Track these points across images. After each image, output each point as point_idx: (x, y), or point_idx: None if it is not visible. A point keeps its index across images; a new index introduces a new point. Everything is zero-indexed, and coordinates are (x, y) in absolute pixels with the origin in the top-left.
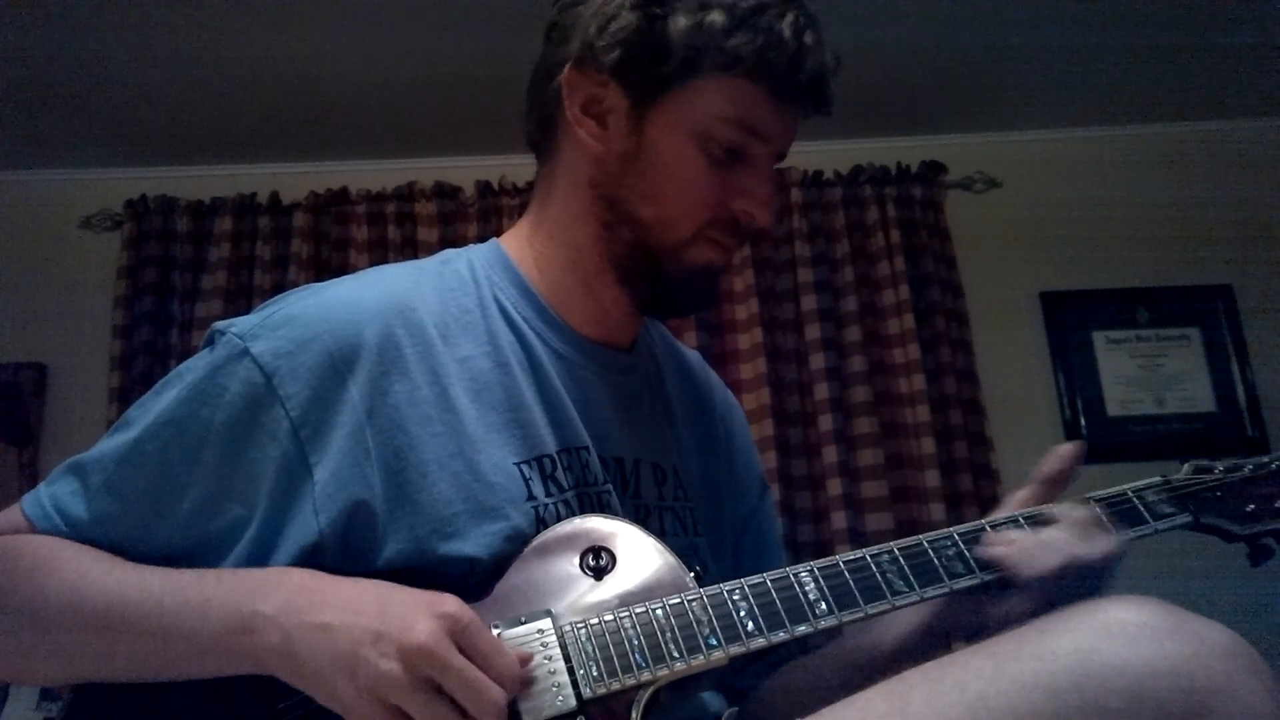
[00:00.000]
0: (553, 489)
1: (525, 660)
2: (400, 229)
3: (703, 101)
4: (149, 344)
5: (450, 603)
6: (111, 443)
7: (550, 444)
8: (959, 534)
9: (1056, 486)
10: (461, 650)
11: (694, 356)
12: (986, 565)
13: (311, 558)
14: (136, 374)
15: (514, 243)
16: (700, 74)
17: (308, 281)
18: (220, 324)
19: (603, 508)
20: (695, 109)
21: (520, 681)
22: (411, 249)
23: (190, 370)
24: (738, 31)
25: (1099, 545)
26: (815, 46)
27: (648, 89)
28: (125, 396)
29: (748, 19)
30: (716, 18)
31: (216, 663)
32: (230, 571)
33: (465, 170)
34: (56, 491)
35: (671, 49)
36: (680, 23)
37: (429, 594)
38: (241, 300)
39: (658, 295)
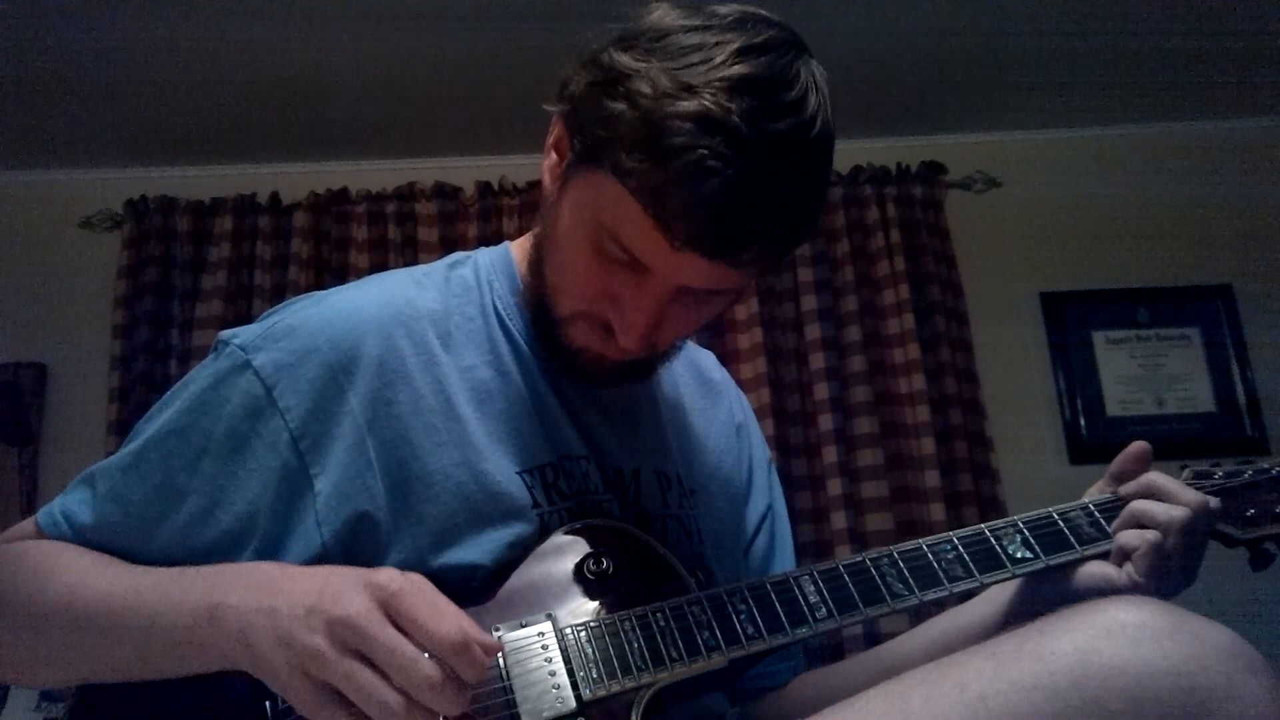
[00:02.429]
0: (555, 497)
1: (492, 649)
2: (400, 229)
3: (595, 196)
4: (149, 344)
5: (385, 574)
6: (120, 452)
7: (550, 453)
8: (958, 538)
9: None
10: (396, 619)
11: (707, 356)
12: (988, 569)
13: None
14: (136, 374)
15: (520, 249)
16: (603, 168)
17: (308, 281)
18: (224, 334)
19: (603, 516)
20: (590, 199)
21: (462, 648)
22: (412, 249)
23: (194, 380)
24: (636, 143)
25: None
26: (730, 194)
27: (574, 155)
28: (125, 396)
29: (654, 134)
30: (628, 117)
31: (192, 656)
32: (211, 567)
33: (465, 170)
34: (68, 500)
35: (592, 131)
36: (606, 109)
37: (371, 569)
38: (242, 300)
39: (552, 355)
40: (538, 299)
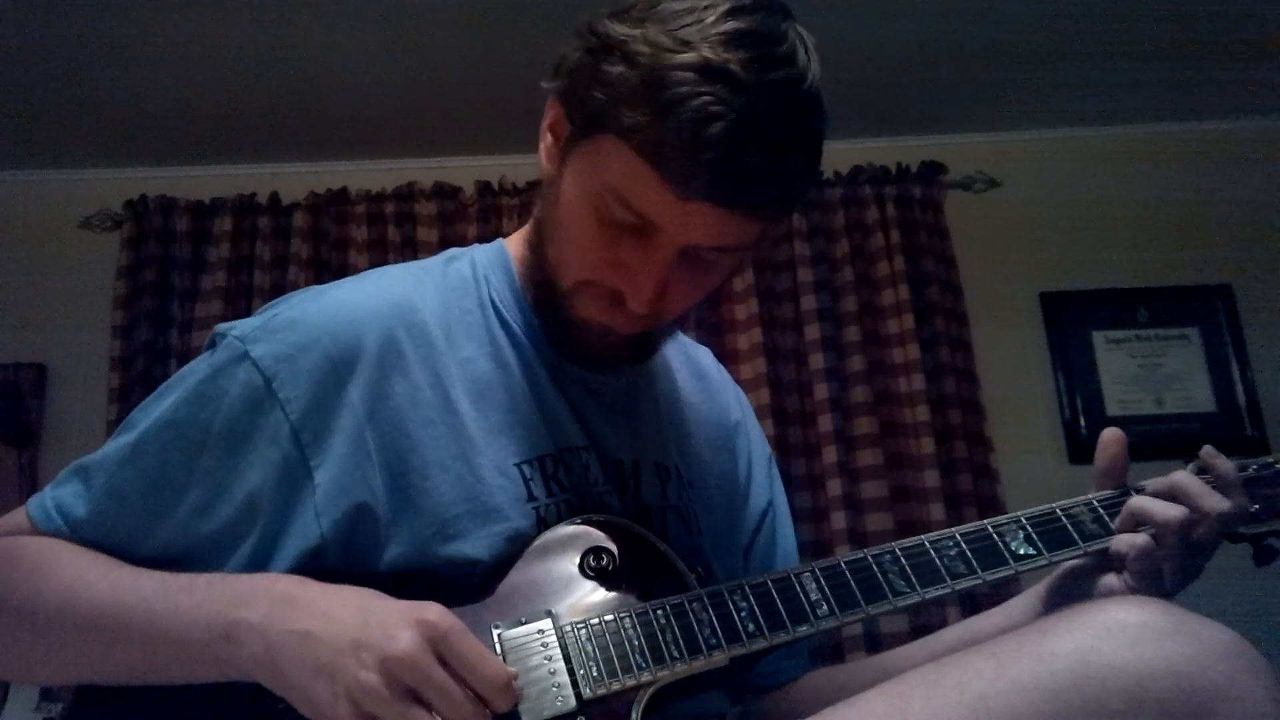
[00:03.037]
0: (554, 489)
1: (513, 676)
2: (400, 229)
3: (598, 162)
4: (149, 344)
5: (432, 611)
6: (114, 445)
7: (550, 445)
8: (961, 534)
9: (1118, 477)
10: (443, 659)
11: (704, 353)
12: (990, 566)
13: (313, 561)
14: (136, 374)
15: (515, 244)
16: (603, 131)
17: (307, 281)
18: (222, 326)
19: (603, 509)
20: (593, 166)
21: (506, 689)
22: (411, 249)
23: (192, 373)
24: (638, 99)
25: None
26: (735, 139)
27: (574, 128)
28: (125, 396)
29: (655, 88)
30: (628, 77)
31: (204, 669)
32: (220, 577)
33: (465, 170)
34: (60, 493)
35: (591, 99)
36: (605, 75)
37: (411, 603)
38: (241, 300)
39: (554, 335)
40: (540, 279)
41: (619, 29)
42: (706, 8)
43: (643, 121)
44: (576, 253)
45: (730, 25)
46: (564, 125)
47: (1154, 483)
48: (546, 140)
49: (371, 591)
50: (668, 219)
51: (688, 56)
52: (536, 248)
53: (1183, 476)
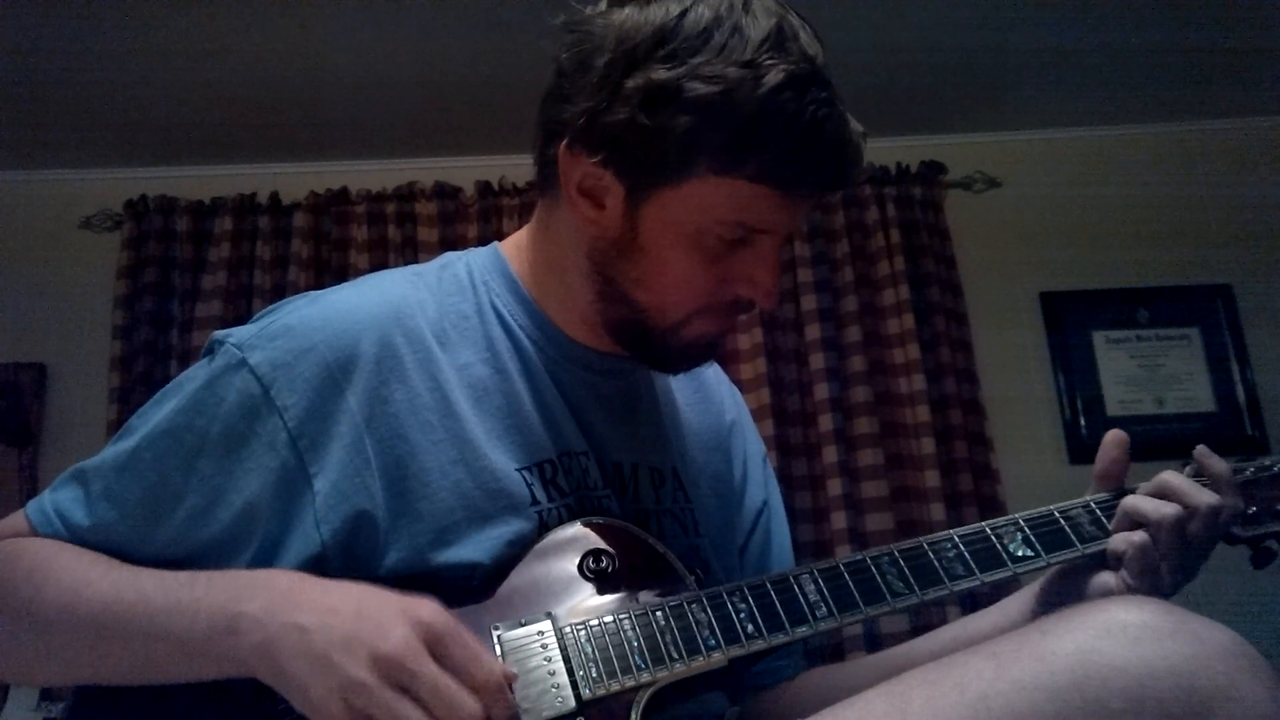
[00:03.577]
0: (554, 494)
1: (511, 678)
2: (400, 229)
3: (699, 200)
4: (149, 344)
5: (427, 609)
6: (112, 450)
7: (550, 449)
8: (959, 536)
9: (1116, 479)
10: (437, 657)
11: None
12: (988, 568)
13: (314, 568)
14: (136, 374)
15: (513, 249)
16: (697, 175)
17: (308, 281)
18: (219, 333)
19: (603, 512)
20: (691, 207)
21: (500, 689)
22: (412, 249)
23: (190, 380)
24: (737, 136)
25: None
26: (838, 140)
27: (641, 182)
28: (125, 397)
29: (753, 120)
30: (708, 119)
31: (205, 665)
32: (220, 573)
33: (465, 170)
34: (59, 497)
35: (663, 150)
36: (676, 123)
37: (407, 598)
38: (242, 300)
39: (651, 357)
40: (630, 319)
41: (661, 75)
42: (727, 18)
43: (751, 152)
44: (686, 291)
45: (763, 27)
46: (609, 182)
47: (1145, 485)
48: (579, 199)
49: (372, 586)
50: (782, 222)
51: (770, 78)
52: (609, 296)
53: (1171, 475)
